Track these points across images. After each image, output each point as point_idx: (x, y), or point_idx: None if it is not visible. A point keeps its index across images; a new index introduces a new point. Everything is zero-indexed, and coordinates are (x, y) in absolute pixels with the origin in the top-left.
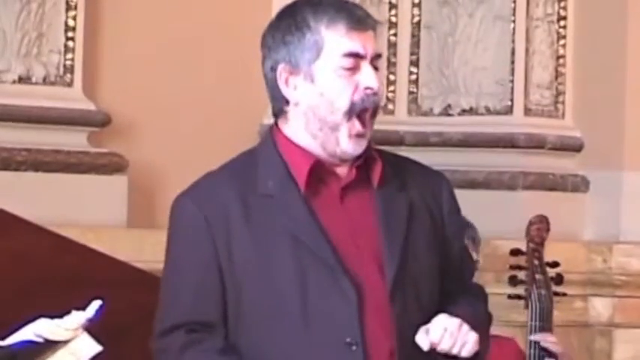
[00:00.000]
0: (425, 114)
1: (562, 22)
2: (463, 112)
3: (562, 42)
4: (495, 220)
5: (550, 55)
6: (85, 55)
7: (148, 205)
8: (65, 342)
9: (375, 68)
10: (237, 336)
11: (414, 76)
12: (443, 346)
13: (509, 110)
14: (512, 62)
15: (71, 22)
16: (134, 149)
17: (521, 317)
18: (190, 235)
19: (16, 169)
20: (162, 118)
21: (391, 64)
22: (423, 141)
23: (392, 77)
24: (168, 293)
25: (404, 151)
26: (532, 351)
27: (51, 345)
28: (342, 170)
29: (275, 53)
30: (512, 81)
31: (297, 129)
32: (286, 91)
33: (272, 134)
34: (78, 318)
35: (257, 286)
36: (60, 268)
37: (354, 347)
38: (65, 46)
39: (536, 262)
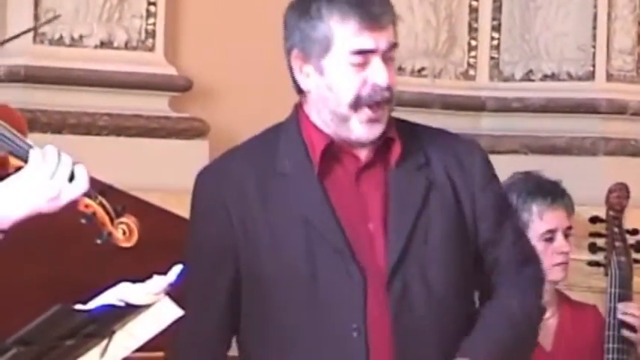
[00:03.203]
0: (506, 79)
1: None
2: (545, 77)
3: None
4: (576, 185)
5: (632, 21)
6: (166, 19)
7: None
8: (147, 306)
9: (389, 59)
10: (256, 311)
11: (495, 42)
12: None
13: (590, 76)
14: (594, 28)
15: None
16: (215, 114)
17: (600, 283)
18: (208, 211)
19: (97, 134)
20: (244, 83)
21: (473, 30)
22: (505, 106)
23: (473, 43)
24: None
25: (485, 117)
26: (611, 319)
27: (133, 309)
28: (359, 151)
29: (291, 36)
30: (594, 46)
31: (312, 112)
32: (299, 77)
33: (297, 111)
34: (160, 282)
35: (270, 267)
36: (140, 232)
37: (356, 334)
38: (147, 10)
39: (615, 229)
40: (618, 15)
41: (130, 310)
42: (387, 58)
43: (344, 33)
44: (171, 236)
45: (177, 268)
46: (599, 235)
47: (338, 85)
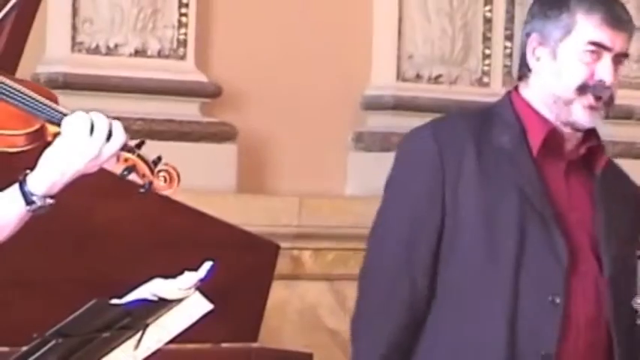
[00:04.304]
0: None
1: None
2: None
3: None
4: None
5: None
6: (197, 29)
7: (256, 171)
8: (178, 301)
9: (618, 63)
10: (445, 272)
11: (508, 51)
12: None
13: None
14: None
15: None
16: (243, 119)
17: None
18: (422, 168)
19: (131, 138)
20: (271, 89)
21: (487, 39)
22: None
23: (487, 51)
24: (387, 217)
25: None
26: None
27: (165, 303)
28: (571, 145)
29: (534, 21)
30: None
31: (535, 95)
32: (530, 59)
33: (510, 96)
34: (191, 278)
35: (477, 231)
36: (172, 231)
37: (557, 302)
38: (179, 21)
39: None
40: None
41: (163, 304)
42: (616, 61)
43: (587, 23)
44: (200, 234)
45: (207, 265)
46: None
47: (567, 70)
